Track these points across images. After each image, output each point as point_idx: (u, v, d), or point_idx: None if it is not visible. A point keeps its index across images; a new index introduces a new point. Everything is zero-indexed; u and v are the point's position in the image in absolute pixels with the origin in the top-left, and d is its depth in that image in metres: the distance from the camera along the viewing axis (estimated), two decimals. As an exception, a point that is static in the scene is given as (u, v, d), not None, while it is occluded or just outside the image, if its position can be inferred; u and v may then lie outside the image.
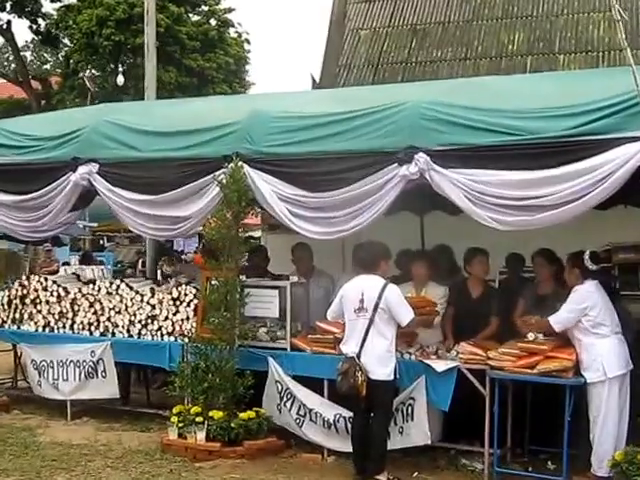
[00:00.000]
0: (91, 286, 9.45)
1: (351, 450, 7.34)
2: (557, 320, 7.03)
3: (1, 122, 10.60)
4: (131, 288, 9.19)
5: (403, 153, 7.15)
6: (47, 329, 9.63)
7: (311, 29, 65.77)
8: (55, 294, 9.63)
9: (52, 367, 9.43)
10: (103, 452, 8.00)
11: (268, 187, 7.89)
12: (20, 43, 42.94)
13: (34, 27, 32.34)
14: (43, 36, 32.91)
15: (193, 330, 8.47)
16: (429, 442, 7.38)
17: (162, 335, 8.84)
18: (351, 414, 7.43)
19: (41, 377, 9.55)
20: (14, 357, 10.73)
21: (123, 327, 9.12)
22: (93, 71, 31.01)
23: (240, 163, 7.91)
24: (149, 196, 8.60)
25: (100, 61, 30.12)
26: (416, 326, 7.46)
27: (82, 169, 8.89)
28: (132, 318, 9.07)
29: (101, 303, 9.28)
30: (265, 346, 8.17)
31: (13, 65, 32.98)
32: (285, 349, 8.08)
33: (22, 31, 67.68)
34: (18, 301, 9.87)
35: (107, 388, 9.18)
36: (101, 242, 27.45)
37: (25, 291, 9.84)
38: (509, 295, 8.08)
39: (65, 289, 9.60)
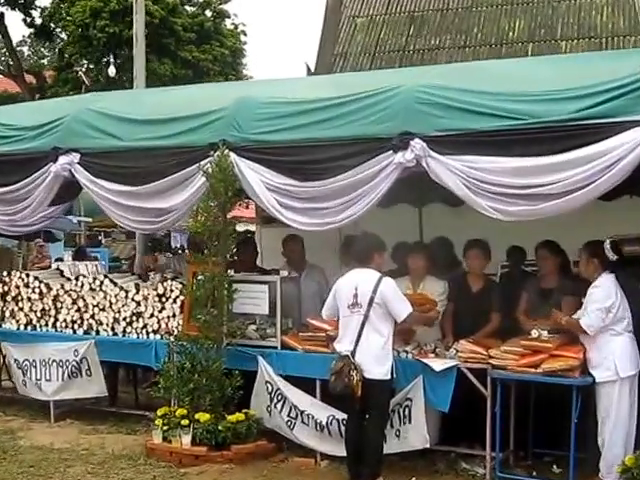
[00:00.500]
0: (74, 282, 9.14)
1: (345, 454, 7.04)
2: (590, 323, 6.66)
3: (-19, 113, 10.29)
4: (115, 284, 8.90)
5: (398, 139, 6.89)
6: (29, 327, 9.34)
7: (307, 18, 65.78)
8: (37, 291, 9.31)
9: (35, 367, 9.16)
10: (84, 457, 7.72)
11: (256, 176, 7.62)
12: (18, 38, 42.98)
13: (28, 20, 32.12)
14: (37, 29, 32.70)
15: (180, 328, 8.19)
16: (428, 446, 7.12)
17: (147, 333, 8.58)
18: (345, 416, 7.13)
19: (25, 377, 9.28)
20: (-2, 356, 10.46)
21: (107, 325, 8.84)
22: (87, 64, 30.76)
23: (226, 151, 7.65)
24: (132, 187, 8.33)
25: (94, 53, 29.80)
26: (415, 323, 7.21)
27: (63, 159, 8.61)
28: (117, 315, 8.79)
29: (84, 300, 8.99)
30: (254, 344, 7.91)
31: (9, 60, 32.56)
32: (275, 347, 7.82)
33: (19, 26, 67.71)
34: (-1, 298, 9.58)
35: (93, 387, 8.95)
36: (99, 238, 27.28)
37: (6, 288, 9.52)
38: (511, 289, 7.82)
39: (47, 285, 9.29)
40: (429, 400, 7.03)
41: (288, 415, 7.63)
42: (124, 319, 8.71)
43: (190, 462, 7.37)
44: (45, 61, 41.59)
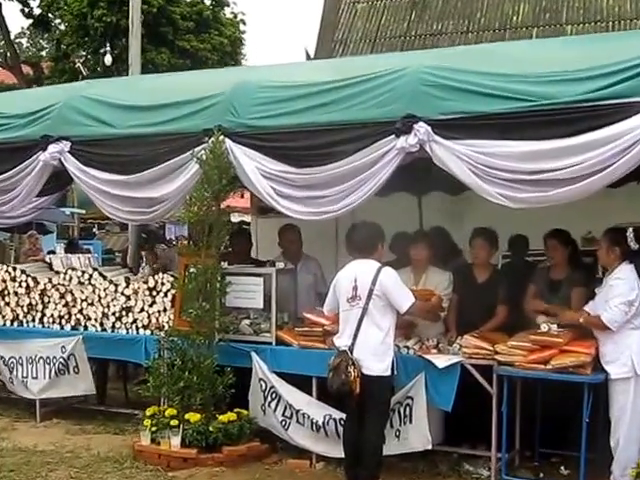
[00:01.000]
0: (62, 276, 8.84)
1: (342, 456, 6.79)
2: (614, 318, 6.37)
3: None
4: (104, 277, 8.60)
5: (401, 123, 6.62)
6: (16, 323, 9.03)
7: (307, 4, 65.63)
8: (24, 285, 9.00)
9: (21, 364, 8.88)
10: (68, 460, 7.42)
11: (251, 163, 7.36)
12: (17, 30, 42.85)
13: (26, 10, 31.98)
14: (35, 19, 32.58)
15: (171, 323, 7.90)
16: (429, 447, 6.87)
17: (137, 328, 8.31)
18: (343, 415, 6.87)
19: (12, 374, 9.01)
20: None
21: (96, 320, 8.56)
22: (84, 54, 30.63)
23: (221, 137, 7.39)
24: (122, 176, 8.06)
25: (92, 43, 29.77)
26: (419, 314, 6.97)
27: (52, 148, 8.35)
28: (105, 310, 8.51)
29: (73, 294, 8.69)
30: (248, 340, 7.64)
31: (7, 52, 32.44)
32: (270, 343, 7.55)
33: (18, 17, 67.66)
34: (-15, 293, 9.30)
35: (81, 384, 8.71)
36: (94, 230, 27.20)
37: (-7, 282, 9.24)
38: (514, 281, 7.57)
39: (35, 279, 8.99)
40: (431, 399, 6.80)
41: (283, 414, 7.39)
42: (113, 314, 8.44)
43: (179, 465, 7.10)
44: (44, 53, 41.44)
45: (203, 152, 7.42)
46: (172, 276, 8.15)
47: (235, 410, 7.35)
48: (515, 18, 13.50)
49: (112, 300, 8.45)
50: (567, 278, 7.16)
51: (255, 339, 7.62)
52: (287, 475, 7.08)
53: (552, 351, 6.46)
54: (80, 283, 8.66)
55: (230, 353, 7.51)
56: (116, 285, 8.46)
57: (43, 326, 8.84)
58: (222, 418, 7.21)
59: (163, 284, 8.17)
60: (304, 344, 7.35)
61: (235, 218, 15.29)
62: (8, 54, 31.64)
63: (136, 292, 8.32)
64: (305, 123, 7.13)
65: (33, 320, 8.91)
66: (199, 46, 29.87)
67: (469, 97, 6.47)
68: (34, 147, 8.45)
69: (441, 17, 13.83)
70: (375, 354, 6.41)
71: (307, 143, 7.15)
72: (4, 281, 9.11)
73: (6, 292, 9.09)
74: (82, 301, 8.62)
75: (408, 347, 6.99)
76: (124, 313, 8.37)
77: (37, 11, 32.08)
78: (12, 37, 33.36)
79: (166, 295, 8.14)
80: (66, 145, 8.30)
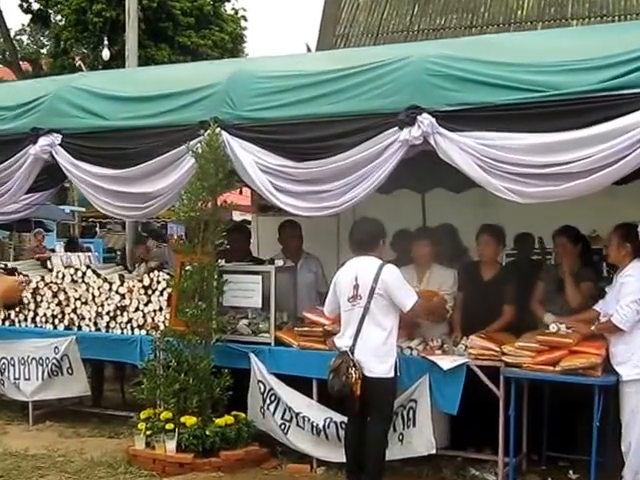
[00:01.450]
0: (55, 274, 8.64)
1: (344, 460, 6.66)
2: (623, 319, 6.20)
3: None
4: (98, 275, 8.40)
5: (404, 114, 6.44)
6: (7, 322, 8.82)
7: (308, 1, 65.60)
8: (16, 283, 8.74)
9: (13, 365, 8.67)
10: (60, 465, 7.22)
11: (249, 157, 7.17)
12: (17, 27, 42.79)
13: (24, 5, 31.90)
14: (34, 14, 32.50)
15: (167, 323, 7.71)
16: (433, 452, 6.72)
17: (132, 328, 8.10)
18: (344, 418, 6.73)
19: (3, 376, 8.79)
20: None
21: (90, 319, 8.34)
22: (83, 50, 30.52)
23: (218, 129, 7.19)
24: (116, 170, 7.86)
25: (91, 39, 29.64)
26: (424, 313, 6.83)
27: (43, 141, 8.12)
28: (100, 309, 8.29)
29: (66, 293, 8.48)
30: (246, 340, 7.47)
31: (5, 49, 32.41)
32: (269, 344, 7.38)
33: (19, 15, 67.82)
34: (-24, 292, 9.03)
35: (75, 386, 8.51)
36: (95, 229, 27.18)
37: (-17, 281, 8.96)
38: (519, 279, 7.43)
39: (27, 277, 8.77)
40: (436, 402, 6.65)
41: (282, 417, 7.24)
42: (107, 313, 8.23)
43: (174, 470, 6.90)
44: (45, 50, 41.43)
45: (199, 145, 7.23)
46: (168, 274, 7.96)
47: (233, 413, 7.19)
48: (520, 12, 13.40)
49: (106, 299, 8.24)
50: (576, 275, 6.96)
51: (253, 339, 7.45)
52: (287, 480, 6.94)
53: (561, 352, 6.30)
54: (73, 281, 8.47)
55: (227, 354, 7.35)
56: (110, 283, 8.25)
57: (36, 326, 8.64)
58: (219, 421, 7.03)
59: (159, 282, 7.97)
60: (304, 345, 7.19)
61: (237, 217, 15.12)
62: (7, 52, 31.55)
63: (131, 291, 8.12)
64: (305, 115, 6.95)
65: (25, 319, 8.71)
66: (200, 42, 29.81)
67: (476, 87, 6.30)
68: (24, 140, 8.24)
69: (444, 11, 13.73)
70: (377, 355, 6.27)
71: (307, 135, 6.97)
72: (-4, 280, 8.92)
73: (-3, 290, 8.89)
74: (76, 300, 8.42)
75: (411, 348, 6.83)
76: (119, 312, 8.16)
77: (36, 6, 31.99)
78: (12, 34, 33.30)
79: (162, 294, 7.94)
80: (57, 138, 8.09)
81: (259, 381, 7.29)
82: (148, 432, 7.11)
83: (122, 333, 8.13)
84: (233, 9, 33.55)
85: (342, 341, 6.39)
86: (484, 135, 6.20)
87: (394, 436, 6.70)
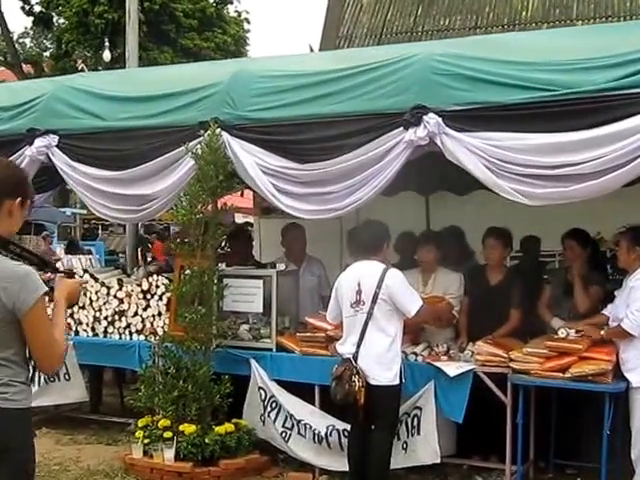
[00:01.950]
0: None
1: (347, 469, 6.55)
2: (633, 325, 6.10)
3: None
4: (96, 279, 8.26)
5: (410, 114, 6.30)
6: (3, 328, 8.63)
7: (311, 1, 65.73)
8: (12, 286, 8.61)
9: (9, 371, 8.48)
10: (55, 473, 7.09)
11: (250, 158, 7.04)
12: (20, 30, 42.93)
13: (26, 8, 31.98)
14: (35, 17, 32.63)
15: (166, 328, 7.60)
16: (438, 461, 6.61)
17: (131, 333, 7.98)
18: (347, 426, 6.63)
19: (-1, 382, 8.61)
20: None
21: (87, 325, 8.23)
22: (85, 52, 30.68)
23: (218, 130, 7.07)
24: (113, 172, 7.73)
25: (92, 41, 29.78)
26: (429, 319, 6.75)
27: (39, 142, 7.98)
28: (97, 314, 8.18)
29: (62, 297, 8.29)
30: (247, 346, 7.37)
31: (6, 52, 32.56)
32: (270, 349, 7.28)
33: (21, 18, 68.12)
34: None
35: (73, 392, 8.41)
36: (98, 231, 27.23)
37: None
38: (527, 283, 7.33)
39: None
40: (441, 409, 6.54)
41: (283, 425, 7.13)
42: (105, 318, 8.12)
43: (172, 480, 6.81)
44: (47, 53, 41.67)
45: (198, 146, 7.11)
46: (167, 278, 7.84)
47: (233, 421, 7.06)
48: (524, 13, 13.43)
49: (104, 303, 8.12)
50: (585, 279, 6.87)
51: (254, 345, 7.35)
52: (288, 490, 6.83)
53: (570, 358, 6.20)
54: (70, 285, 8.33)
55: (228, 360, 7.23)
56: (108, 288, 8.13)
57: (32, 331, 8.50)
58: (219, 429, 6.90)
59: (157, 287, 7.85)
60: (306, 350, 7.08)
61: (239, 219, 15.04)
62: (8, 55, 31.61)
63: (129, 295, 8.00)
64: (307, 115, 6.83)
65: (22, 324, 8.57)
66: (202, 45, 30.00)
67: (483, 86, 6.17)
68: (20, 141, 8.10)
69: (449, 12, 13.74)
70: (381, 362, 6.17)
71: (310, 136, 6.86)
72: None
73: (-8, 294, 8.77)
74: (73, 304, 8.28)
75: (416, 353, 6.73)
76: (117, 317, 8.05)
77: (37, 8, 32.10)
78: (15, 37, 33.45)
79: (161, 298, 7.82)
80: (53, 139, 7.96)
81: (260, 388, 7.19)
82: (146, 440, 6.98)
83: (120, 338, 8.03)
84: (236, 11, 33.87)
85: (344, 348, 6.28)
86: (492, 135, 6.09)
87: (398, 445, 6.60)
